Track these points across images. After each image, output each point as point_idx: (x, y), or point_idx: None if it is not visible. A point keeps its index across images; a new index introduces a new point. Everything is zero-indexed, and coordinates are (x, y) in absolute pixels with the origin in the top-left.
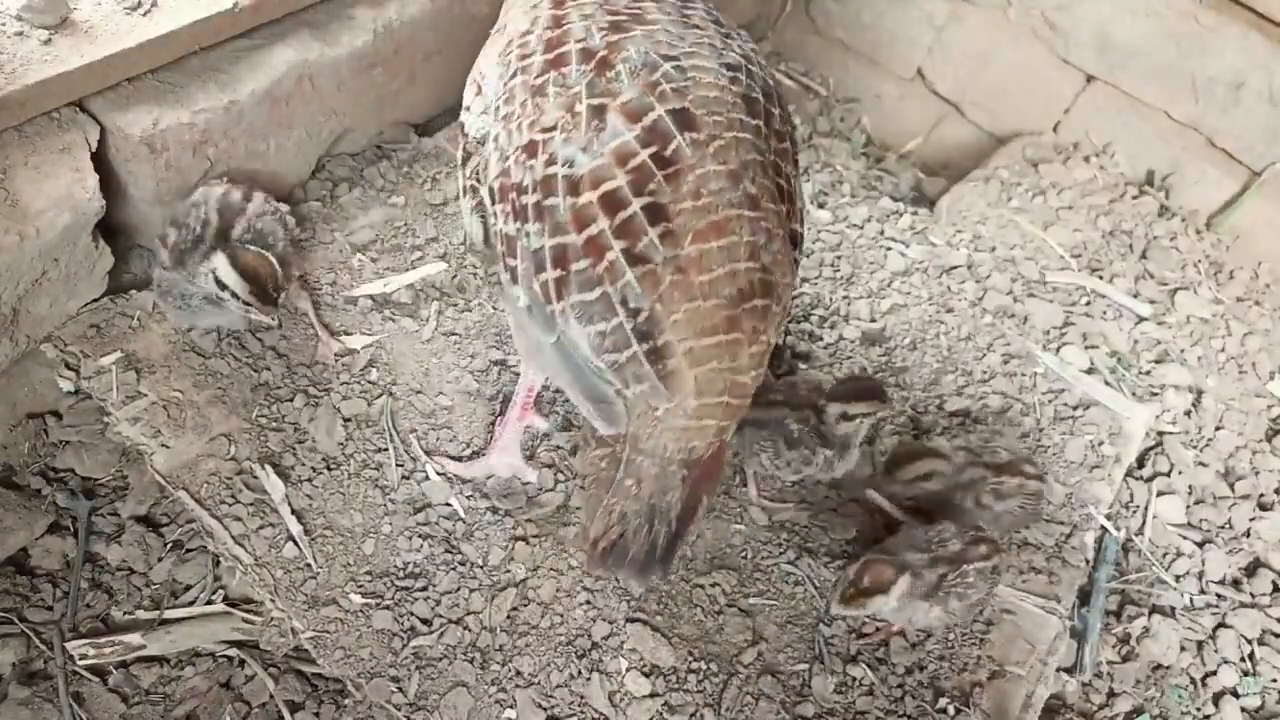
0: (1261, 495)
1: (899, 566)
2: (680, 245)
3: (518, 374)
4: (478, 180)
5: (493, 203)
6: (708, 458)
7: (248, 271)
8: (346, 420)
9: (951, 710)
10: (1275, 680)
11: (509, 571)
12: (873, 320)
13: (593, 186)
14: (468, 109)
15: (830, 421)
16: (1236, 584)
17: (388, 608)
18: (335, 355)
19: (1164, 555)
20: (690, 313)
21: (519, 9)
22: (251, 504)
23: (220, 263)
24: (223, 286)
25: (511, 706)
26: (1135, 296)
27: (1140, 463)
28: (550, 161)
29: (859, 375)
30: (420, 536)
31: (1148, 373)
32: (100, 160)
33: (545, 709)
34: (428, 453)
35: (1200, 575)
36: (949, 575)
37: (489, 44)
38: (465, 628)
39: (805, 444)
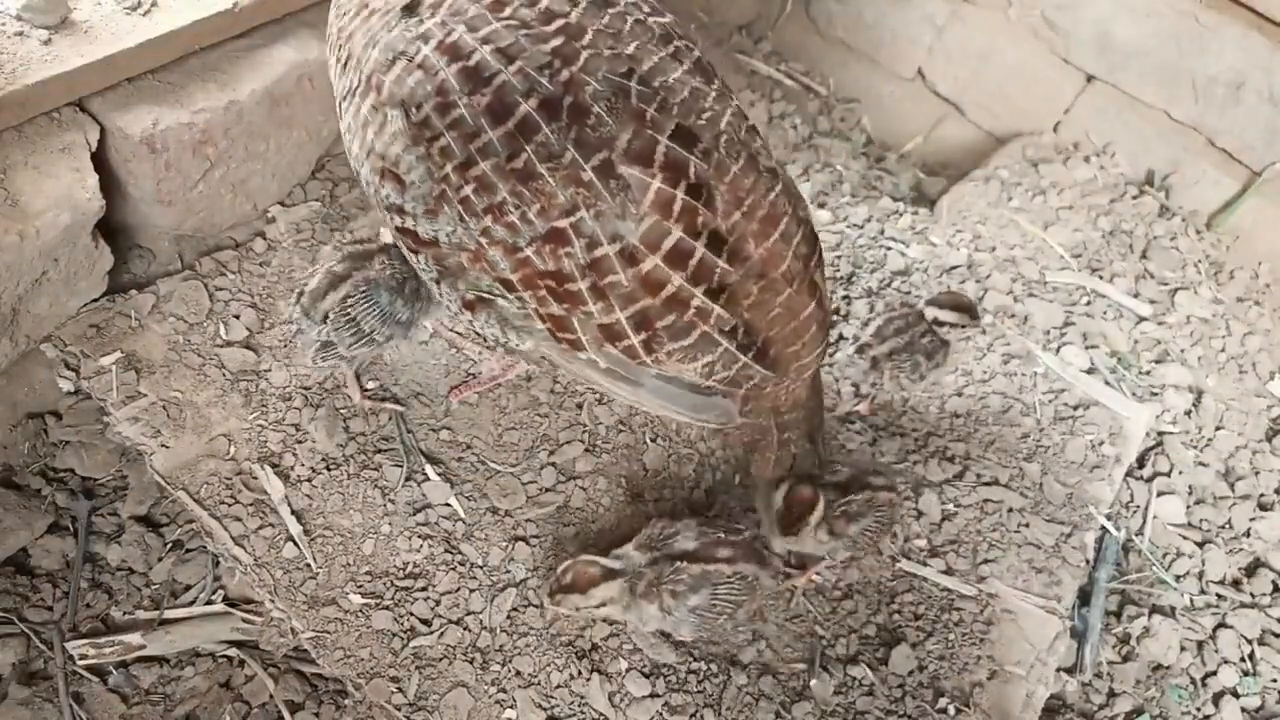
0: (1261, 495)
1: (815, 488)
2: (746, 255)
3: None
4: (479, 291)
5: (510, 291)
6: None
7: None
8: (347, 421)
9: (951, 710)
10: (1275, 680)
11: (509, 571)
12: (872, 318)
13: (652, 250)
14: (400, 210)
15: (931, 324)
16: (1236, 584)
17: (387, 608)
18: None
19: (1164, 555)
20: (784, 302)
21: (360, 35)
22: (251, 504)
23: None
24: None
25: (511, 707)
26: (1135, 296)
27: (1140, 463)
28: (593, 244)
29: (954, 290)
30: (420, 536)
31: (1148, 373)
32: (100, 160)
33: (545, 709)
34: (427, 455)
35: (1200, 575)
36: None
37: (367, 117)
38: (465, 628)
39: (937, 351)
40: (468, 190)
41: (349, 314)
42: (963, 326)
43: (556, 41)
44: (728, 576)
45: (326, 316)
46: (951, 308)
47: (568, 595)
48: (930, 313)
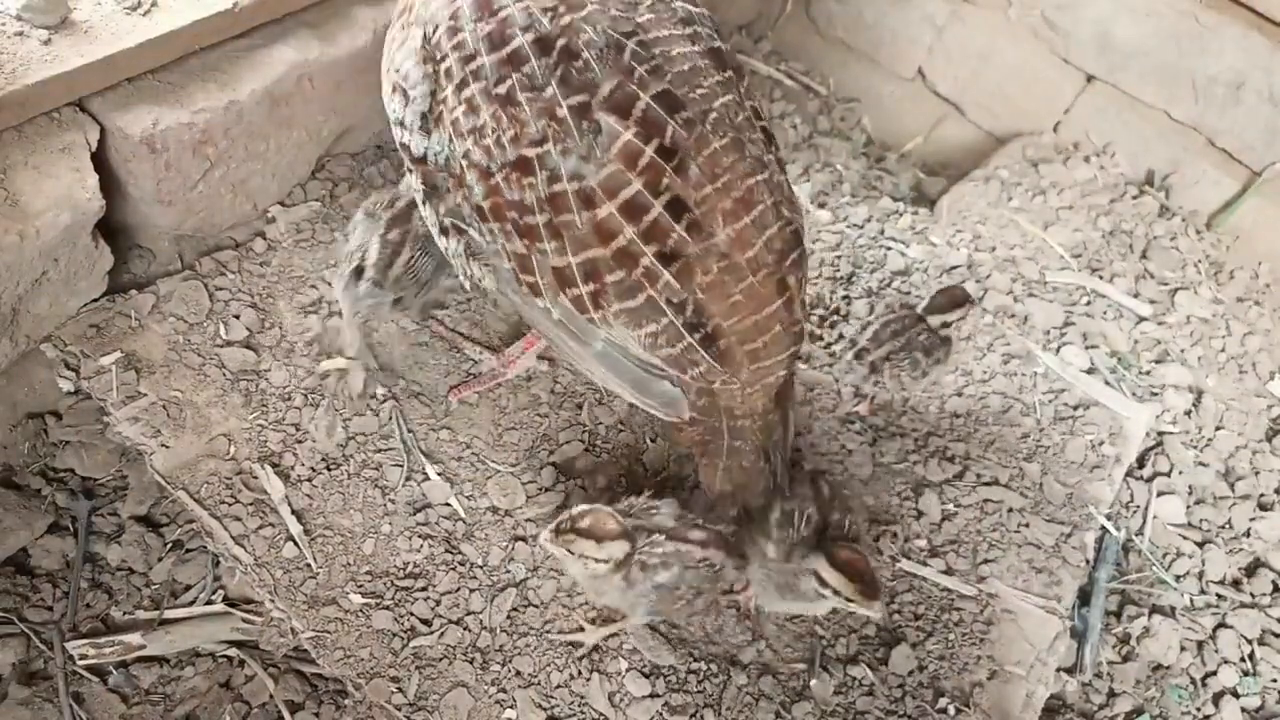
0: (1261, 495)
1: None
2: (710, 232)
3: None
4: (457, 218)
5: (483, 221)
6: (787, 384)
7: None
8: (347, 421)
9: (951, 710)
10: (1275, 680)
11: (509, 571)
12: (869, 320)
13: (609, 196)
14: (401, 124)
15: (934, 328)
16: (1236, 584)
17: (388, 608)
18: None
19: (1164, 555)
20: (746, 290)
21: None
22: (251, 504)
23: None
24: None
25: (511, 707)
26: (1135, 296)
27: (1140, 463)
28: (554, 178)
29: (946, 288)
30: (420, 536)
31: (1148, 373)
32: (100, 160)
33: (545, 709)
34: (427, 455)
35: (1200, 575)
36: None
37: (396, 35)
38: (465, 628)
39: (936, 349)
40: (459, 112)
41: (414, 273)
42: (965, 317)
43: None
44: (697, 560)
45: (397, 280)
46: (951, 307)
47: (578, 539)
48: (935, 321)
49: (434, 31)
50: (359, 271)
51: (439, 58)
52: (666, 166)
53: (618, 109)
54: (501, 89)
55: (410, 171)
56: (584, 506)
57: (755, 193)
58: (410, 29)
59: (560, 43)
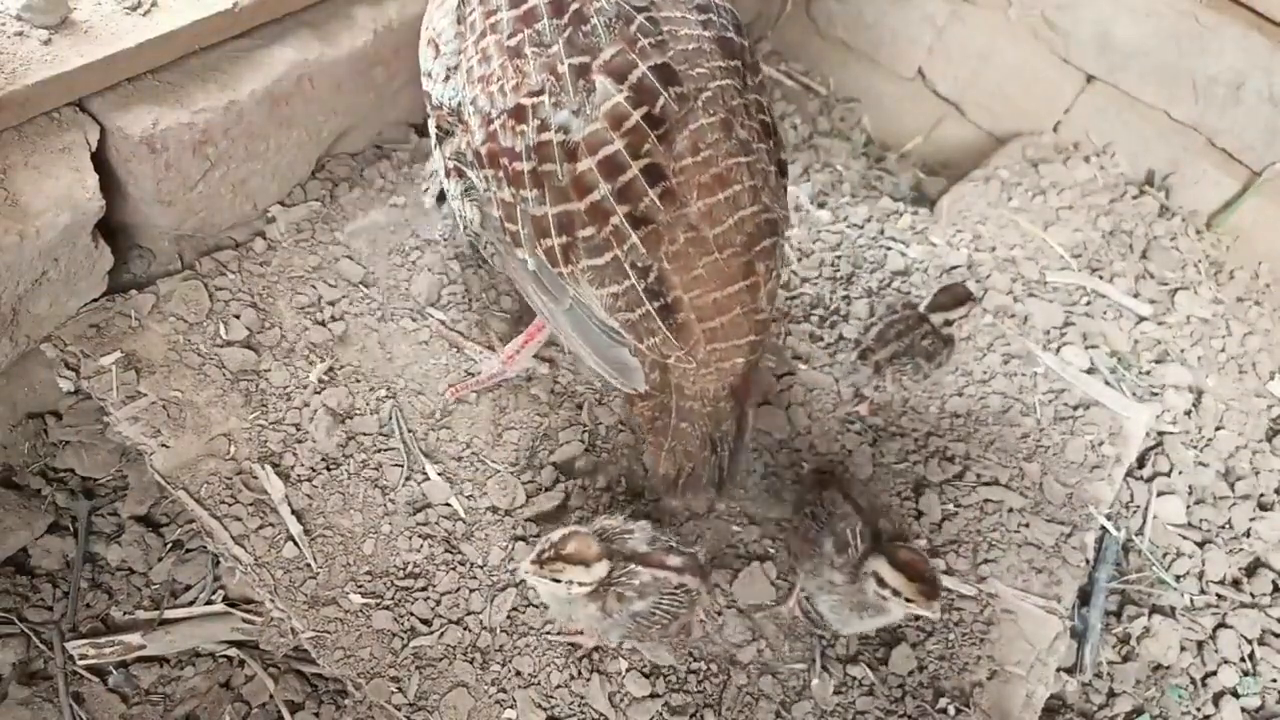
0: (1261, 495)
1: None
2: (684, 202)
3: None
4: (460, 161)
5: (480, 167)
6: (745, 381)
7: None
8: (346, 420)
9: (951, 710)
10: (1275, 680)
11: (509, 571)
12: (872, 319)
13: (590, 152)
14: (429, 75)
15: (937, 328)
16: (1236, 584)
17: (388, 608)
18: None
19: (1164, 555)
20: (709, 266)
21: None
22: (251, 504)
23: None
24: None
25: (511, 707)
26: (1135, 296)
27: (1140, 463)
28: (543, 127)
29: (946, 286)
30: (420, 536)
31: (1148, 373)
32: (100, 160)
33: (545, 709)
34: (427, 455)
35: (1200, 575)
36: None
37: None
38: (465, 628)
39: (939, 351)
40: (473, 60)
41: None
42: (968, 316)
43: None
44: (674, 587)
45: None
46: (954, 305)
47: (566, 567)
48: (938, 319)
49: None
50: (440, 195)
51: (467, 14)
52: (651, 133)
53: (614, 73)
54: (513, 41)
55: (429, 117)
56: (562, 531)
57: (734, 172)
58: None
59: (574, 7)
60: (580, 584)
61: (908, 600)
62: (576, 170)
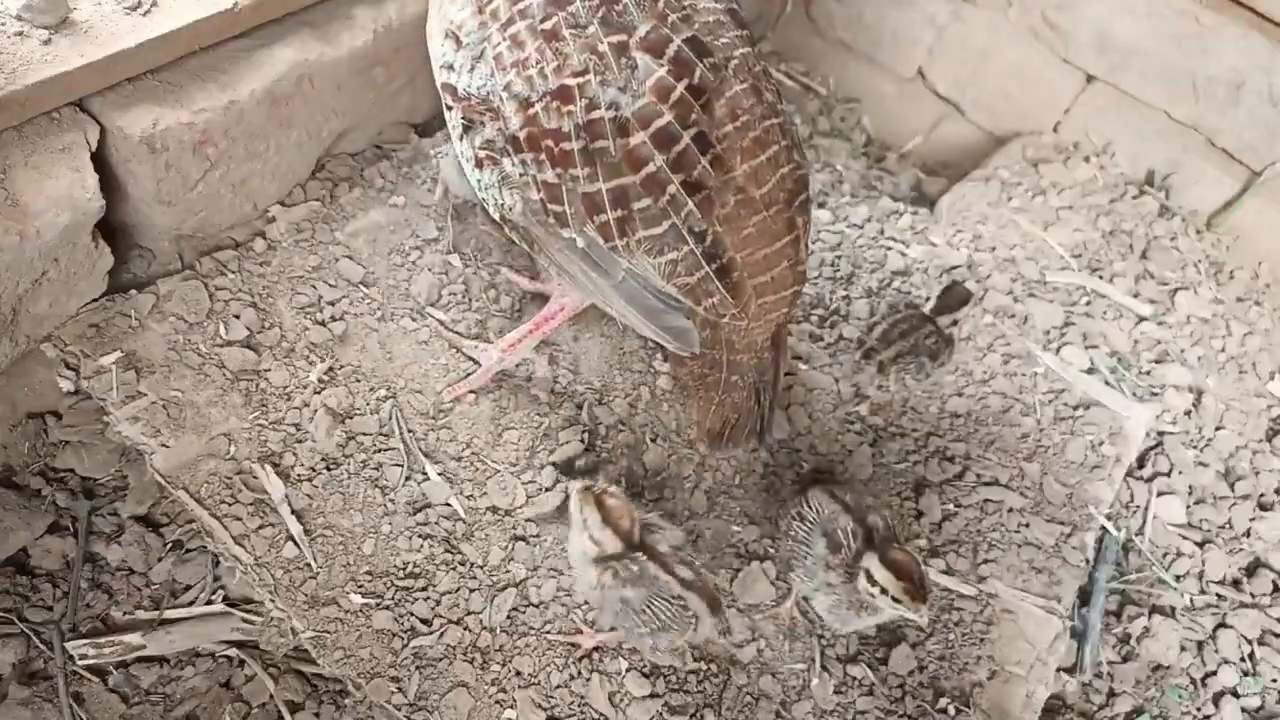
0: (1261, 495)
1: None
2: (730, 167)
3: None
4: (491, 149)
5: (517, 152)
6: (781, 330)
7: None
8: (346, 421)
9: (951, 710)
10: (1275, 680)
11: (509, 571)
12: (872, 319)
13: (642, 126)
14: (450, 67)
15: (941, 329)
16: (1236, 584)
17: (388, 608)
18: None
19: (1164, 555)
20: (758, 225)
21: None
22: (251, 504)
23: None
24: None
25: (511, 707)
26: (1135, 296)
27: (1140, 463)
28: (592, 106)
29: (948, 286)
30: (420, 536)
31: (1148, 373)
32: (100, 160)
33: (545, 709)
34: (427, 454)
35: (1200, 575)
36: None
37: None
38: (465, 628)
39: (941, 351)
40: (503, 46)
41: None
42: (970, 314)
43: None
44: (671, 596)
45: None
46: (958, 305)
47: (594, 510)
48: (944, 322)
49: None
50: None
51: (488, 3)
52: (694, 103)
53: (652, 49)
54: (548, 25)
55: (449, 109)
56: (619, 493)
57: (771, 134)
58: None
59: None
60: (594, 539)
61: (894, 600)
62: (629, 144)
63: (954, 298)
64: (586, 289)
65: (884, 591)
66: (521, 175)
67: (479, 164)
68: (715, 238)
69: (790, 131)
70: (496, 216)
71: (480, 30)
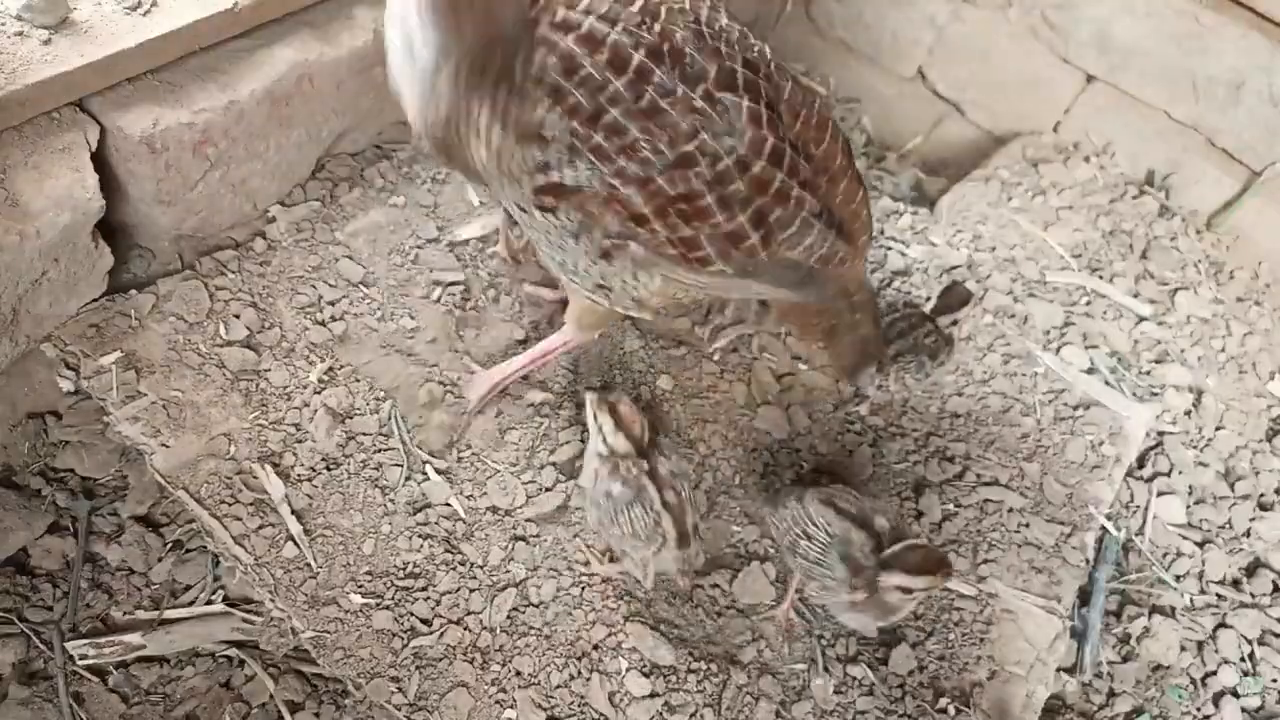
0: (1261, 495)
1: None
2: (811, 154)
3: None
4: (614, 237)
5: (641, 225)
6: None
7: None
8: (346, 420)
9: (951, 710)
10: (1275, 680)
11: (509, 571)
12: None
13: (757, 155)
14: (545, 167)
15: (942, 327)
16: (1236, 584)
17: (388, 608)
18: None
19: (1164, 555)
20: (845, 188)
21: None
22: (251, 504)
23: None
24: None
25: (511, 707)
26: (1135, 296)
27: (1140, 463)
28: (715, 160)
29: (949, 286)
30: (420, 536)
31: (1148, 373)
32: (100, 160)
33: (545, 709)
34: (430, 454)
35: (1200, 575)
36: None
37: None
38: (465, 628)
39: (941, 350)
40: (598, 138)
41: None
42: (969, 315)
43: (639, 3)
44: (652, 510)
45: None
46: (958, 306)
47: (608, 414)
48: (944, 321)
49: (554, 79)
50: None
51: (566, 99)
52: (775, 116)
53: (728, 86)
54: (644, 103)
55: (549, 211)
56: (633, 405)
57: (824, 115)
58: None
59: (666, 47)
60: (605, 439)
61: (928, 590)
62: (753, 173)
63: (954, 298)
64: (729, 295)
65: (926, 589)
66: (652, 240)
67: (605, 255)
68: (829, 211)
69: (826, 105)
70: (626, 304)
71: (563, 123)
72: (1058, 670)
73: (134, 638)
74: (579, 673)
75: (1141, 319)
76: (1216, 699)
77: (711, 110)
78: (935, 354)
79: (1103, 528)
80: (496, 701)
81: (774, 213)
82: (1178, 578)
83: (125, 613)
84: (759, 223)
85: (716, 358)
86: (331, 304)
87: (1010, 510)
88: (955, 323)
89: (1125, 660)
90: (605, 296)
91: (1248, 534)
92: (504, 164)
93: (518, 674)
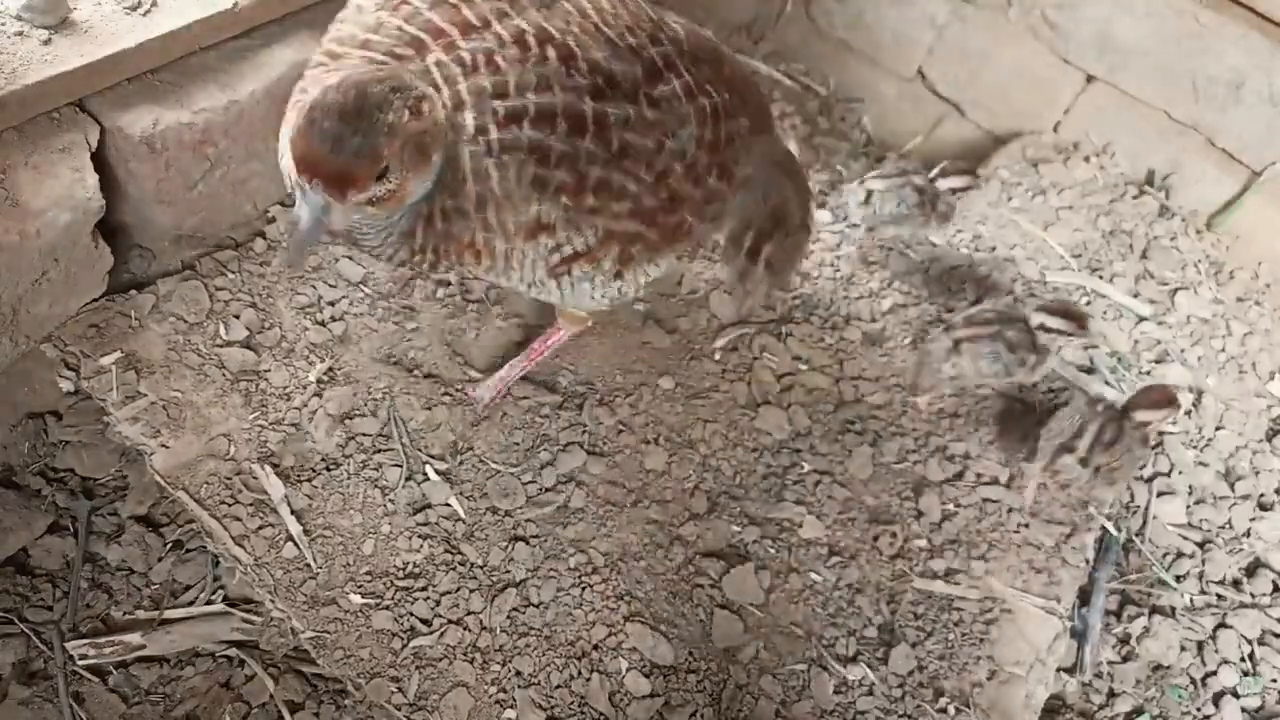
0: (1261, 495)
1: None
2: (713, 77)
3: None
4: (626, 260)
5: (635, 242)
6: None
7: None
8: (346, 421)
9: (951, 710)
10: (1275, 680)
11: (509, 571)
12: (873, 320)
13: (703, 124)
14: (557, 247)
15: (1034, 330)
16: (1236, 584)
17: (388, 608)
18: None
19: (1164, 555)
20: (727, 72)
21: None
22: (251, 504)
23: None
24: None
25: (511, 707)
26: (1135, 296)
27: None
28: (682, 155)
29: (1067, 301)
30: (420, 537)
31: (1148, 373)
32: (100, 160)
33: (545, 709)
34: (429, 455)
35: (1200, 575)
36: None
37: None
38: (465, 628)
39: (1021, 347)
40: (590, 200)
41: None
42: (1070, 334)
43: (551, 53)
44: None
45: None
46: (1061, 315)
47: None
48: (1037, 319)
49: (530, 172)
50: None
51: (548, 184)
52: (696, 78)
53: (657, 77)
54: (614, 148)
55: (568, 275)
56: None
57: (694, 36)
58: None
59: (598, 80)
60: None
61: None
62: (707, 140)
63: (1060, 306)
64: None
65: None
66: (650, 249)
67: (618, 276)
68: (737, 100)
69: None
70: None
71: (559, 204)
72: (1058, 670)
73: (134, 638)
74: (579, 673)
75: (1141, 319)
76: (1216, 699)
77: (661, 115)
78: (1014, 349)
79: (1103, 528)
80: (496, 701)
81: (729, 156)
82: (1178, 578)
83: (125, 613)
84: (722, 173)
85: (717, 358)
86: (331, 304)
87: (1010, 510)
88: (1054, 333)
89: (1125, 660)
90: (605, 305)
91: (1248, 534)
92: (513, 262)
93: (518, 674)
